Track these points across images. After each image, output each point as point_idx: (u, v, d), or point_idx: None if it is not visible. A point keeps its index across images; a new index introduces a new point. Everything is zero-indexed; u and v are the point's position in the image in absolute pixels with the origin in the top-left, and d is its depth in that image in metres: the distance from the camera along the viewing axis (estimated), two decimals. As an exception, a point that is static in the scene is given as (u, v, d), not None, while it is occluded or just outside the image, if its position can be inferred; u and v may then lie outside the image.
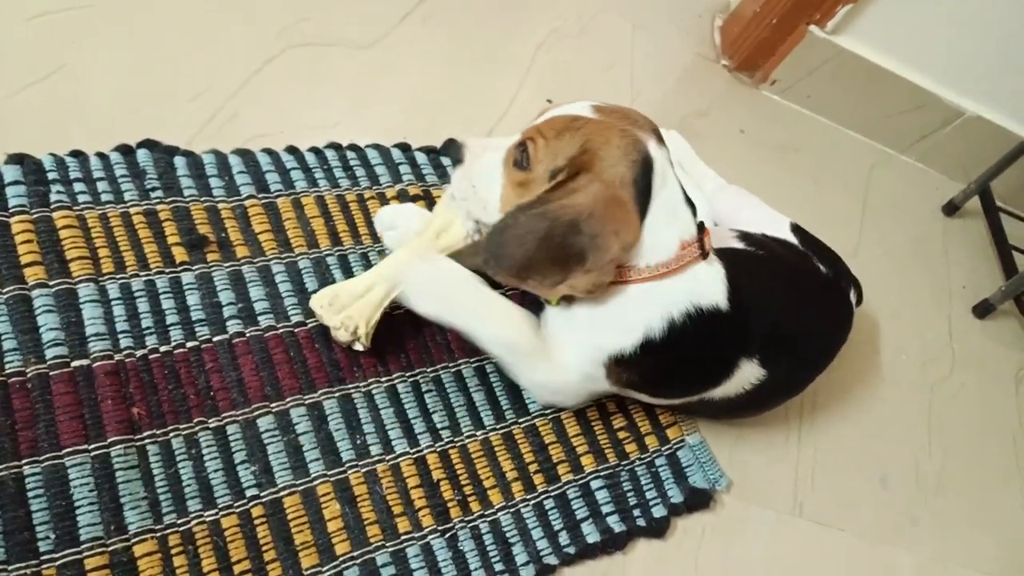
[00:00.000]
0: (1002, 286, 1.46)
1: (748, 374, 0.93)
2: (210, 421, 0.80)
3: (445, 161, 1.12)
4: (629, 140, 0.80)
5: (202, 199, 0.94)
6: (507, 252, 0.80)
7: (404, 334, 0.93)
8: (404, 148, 1.11)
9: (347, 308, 0.86)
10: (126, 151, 0.93)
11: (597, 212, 0.77)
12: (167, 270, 0.87)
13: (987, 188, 1.59)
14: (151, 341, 0.82)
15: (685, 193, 0.86)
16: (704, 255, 0.86)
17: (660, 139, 0.85)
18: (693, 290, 0.85)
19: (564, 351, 0.89)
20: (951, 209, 1.65)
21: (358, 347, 0.87)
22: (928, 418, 1.29)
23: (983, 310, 1.49)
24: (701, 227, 0.87)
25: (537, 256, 0.79)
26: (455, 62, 1.28)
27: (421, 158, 1.11)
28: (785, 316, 0.97)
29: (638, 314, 0.84)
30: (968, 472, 1.25)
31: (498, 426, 0.93)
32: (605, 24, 1.51)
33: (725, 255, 0.97)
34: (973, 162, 1.64)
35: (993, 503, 1.24)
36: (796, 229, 1.14)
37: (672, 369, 0.90)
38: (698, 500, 0.99)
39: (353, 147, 1.07)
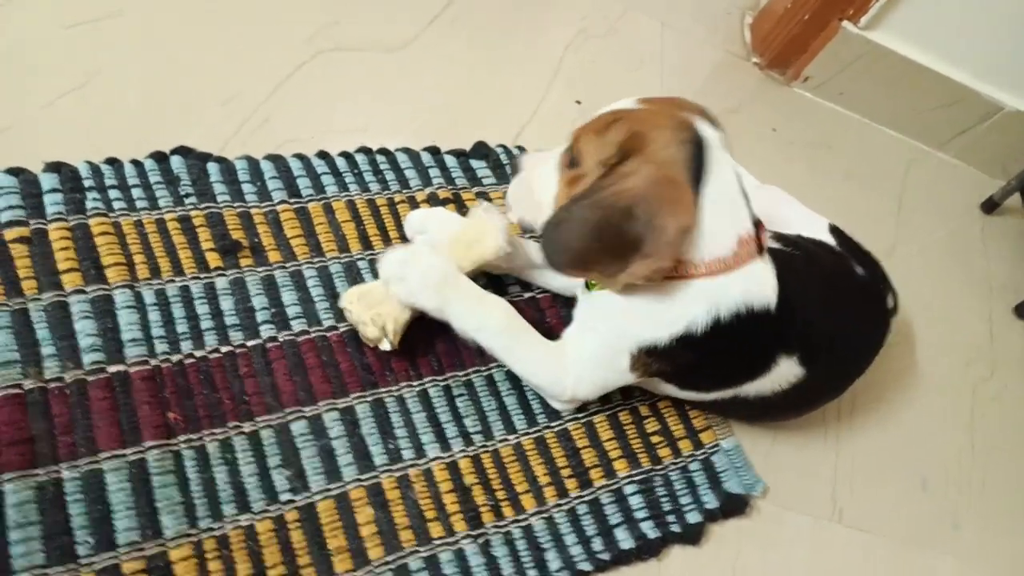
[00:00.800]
0: (1045, 285, 1.43)
1: (786, 372, 0.91)
2: (244, 426, 0.81)
3: (475, 164, 1.12)
4: (678, 121, 0.78)
5: (235, 205, 0.94)
6: (564, 245, 0.79)
7: (435, 338, 0.93)
8: (434, 152, 1.11)
9: (377, 305, 0.86)
10: (160, 158, 0.94)
11: (650, 194, 0.74)
12: (201, 275, 0.88)
13: (1028, 184, 1.55)
14: (186, 346, 0.83)
15: (741, 184, 0.82)
16: (761, 253, 0.83)
17: (713, 123, 0.82)
18: (748, 290, 0.82)
19: (585, 337, 0.88)
20: (990, 206, 1.61)
21: (385, 346, 0.87)
22: (970, 420, 1.26)
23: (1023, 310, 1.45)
24: (758, 223, 0.84)
25: (594, 246, 0.77)
26: (484, 64, 1.28)
27: (451, 161, 1.11)
28: (823, 317, 0.95)
29: (685, 309, 0.82)
30: (1011, 475, 1.22)
31: (530, 430, 0.92)
32: (633, 23, 1.50)
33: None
34: (1013, 158, 1.60)
35: (1037, 508, 1.21)
36: (834, 230, 1.12)
37: (707, 362, 0.88)
38: (734, 506, 0.97)
39: (383, 151, 1.08)
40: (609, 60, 1.41)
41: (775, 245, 1.01)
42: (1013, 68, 1.51)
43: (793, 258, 0.99)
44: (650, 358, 0.85)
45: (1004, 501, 1.18)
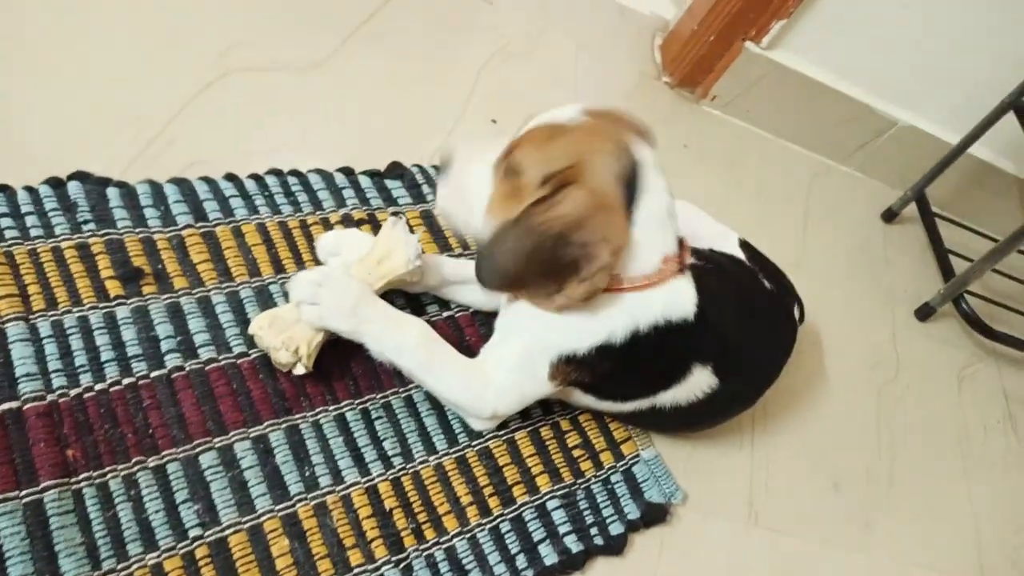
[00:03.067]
0: (941, 289, 1.51)
1: (701, 381, 0.94)
2: (149, 460, 0.78)
3: (390, 184, 1.11)
4: (617, 145, 0.80)
5: (136, 230, 0.91)
6: (500, 269, 0.81)
7: (351, 360, 0.92)
8: (347, 172, 1.10)
9: (288, 329, 0.84)
10: (56, 184, 0.90)
11: (585, 220, 0.77)
12: (101, 305, 0.84)
13: (923, 195, 1.64)
14: (85, 379, 0.79)
15: (671, 205, 0.85)
16: (682, 270, 0.86)
17: (649, 142, 0.85)
18: (668, 304, 0.85)
19: (506, 347, 0.88)
20: (890, 216, 1.70)
21: (299, 370, 0.85)
22: (876, 421, 1.31)
23: (924, 313, 1.53)
24: (681, 241, 0.87)
25: (531, 270, 0.79)
26: (399, 84, 1.28)
27: (365, 182, 1.10)
28: (735, 328, 0.98)
29: (607, 321, 0.84)
30: (918, 472, 1.28)
31: (451, 450, 0.92)
32: (549, 44, 1.53)
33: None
34: (909, 170, 1.69)
35: (944, 501, 1.27)
36: (744, 245, 1.16)
37: (624, 371, 0.89)
38: (655, 515, 0.99)
39: (294, 172, 1.06)
40: (524, 80, 1.43)
41: (691, 260, 1.04)
42: (905, 85, 1.60)
43: (706, 272, 1.02)
44: (569, 367, 0.87)
45: (913, 498, 1.24)
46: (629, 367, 0.89)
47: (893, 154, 1.71)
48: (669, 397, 0.94)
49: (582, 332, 0.85)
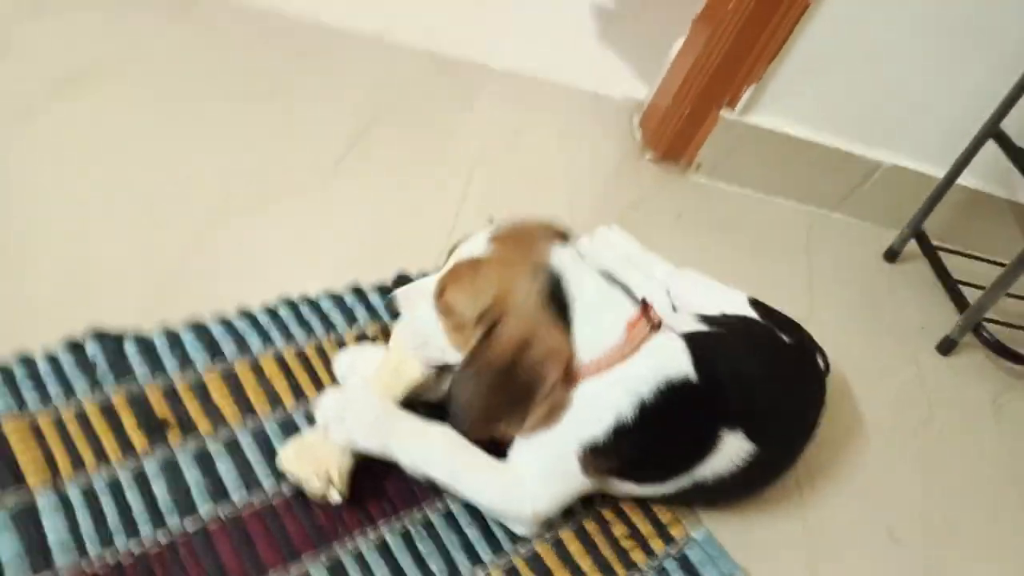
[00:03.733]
0: (958, 321, 1.50)
1: (735, 448, 0.92)
2: (193, 617, 0.75)
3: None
4: (530, 266, 0.84)
5: (156, 380, 0.91)
6: (468, 413, 0.85)
7: (383, 480, 0.90)
8: (356, 291, 1.11)
9: (316, 457, 0.83)
10: (73, 347, 0.91)
11: (525, 347, 0.81)
12: (128, 461, 0.83)
13: (921, 230, 1.66)
14: (120, 542, 0.77)
15: (613, 278, 0.89)
16: (656, 327, 0.87)
17: (564, 239, 0.89)
18: (657, 364, 0.86)
19: (530, 448, 0.88)
20: (892, 255, 1.71)
21: (335, 497, 0.83)
22: (920, 462, 1.28)
23: (946, 347, 1.51)
24: (643, 301, 0.89)
25: (495, 405, 0.84)
26: (394, 196, 1.31)
27: (375, 299, 1.11)
28: (760, 388, 0.97)
29: (608, 401, 0.85)
30: (974, 509, 1.24)
31: (499, 560, 0.89)
32: (531, 138, 1.57)
33: (688, 338, 0.98)
34: (902, 208, 1.70)
35: (1005, 531, 1.22)
36: (754, 303, 1.16)
37: (651, 449, 0.90)
38: (717, 598, 0.95)
39: (306, 299, 1.07)
40: (514, 175, 1.47)
41: (700, 327, 1.04)
42: (882, 128, 1.65)
43: (720, 337, 1.02)
44: (597, 456, 0.86)
45: (974, 537, 1.19)
46: (654, 443, 0.89)
47: (883, 195, 1.73)
48: (708, 470, 0.92)
49: (592, 419, 0.86)
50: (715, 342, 1.02)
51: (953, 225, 1.77)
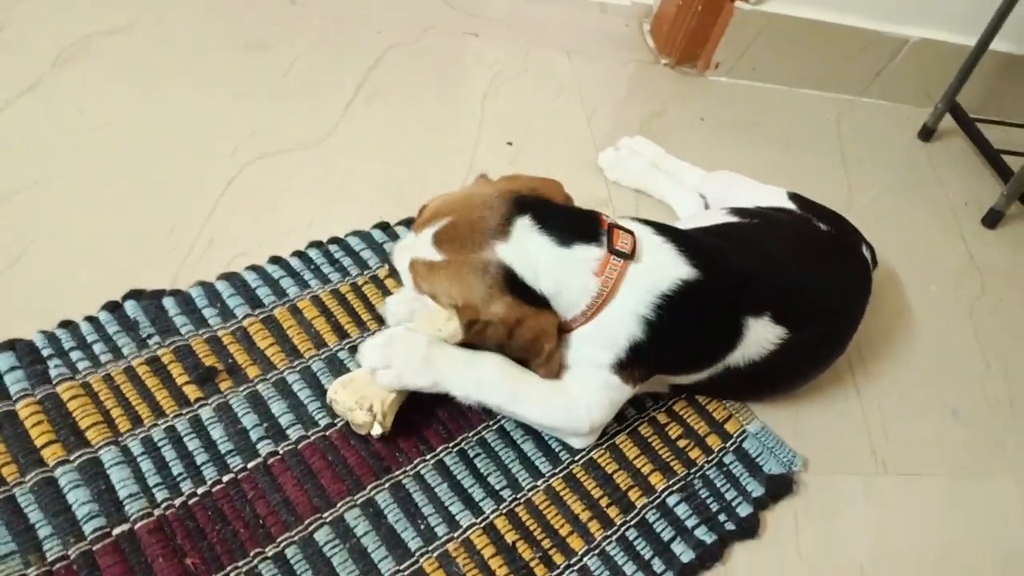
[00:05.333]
0: (1003, 191, 1.45)
1: (764, 334, 0.91)
2: (267, 550, 0.77)
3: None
4: (480, 267, 0.82)
5: (201, 332, 0.92)
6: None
7: (435, 407, 0.90)
8: (384, 227, 1.10)
9: (361, 390, 0.83)
10: (113, 307, 0.92)
11: (510, 334, 0.83)
12: (184, 411, 0.85)
13: (955, 104, 1.59)
14: (186, 487, 0.79)
15: (560, 230, 0.84)
16: (630, 254, 0.85)
17: (517, 208, 0.84)
18: (644, 286, 0.85)
19: (579, 370, 0.88)
20: (927, 134, 1.65)
21: (376, 430, 0.83)
22: (977, 339, 1.25)
23: (992, 219, 1.47)
24: (610, 233, 0.85)
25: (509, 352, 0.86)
26: (410, 132, 1.28)
27: (403, 232, 1.10)
28: (788, 273, 0.95)
29: (617, 330, 0.86)
30: (1035, 381, 1.21)
31: (556, 470, 0.89)
32: (541, 58, 1.53)
33: (708, 231, 0.98)
34: (933, 84, 1.64)
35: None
36: (794, 197, 1.13)
37: (674, 351, 0.90)
38: (780, 487, 0.94)
39: (334, 240, 1.06)
40: (528, 98, 1.43)
41: (730, 219, 1.02)
42: (903, 1, 1.56)
43: (746, 226, 1.00)
44: (626, 370, 0.87)
45: (1037, 407, 1.17)
46: (675, 347, 0.89)
47: (913, 72, 1.66)
48: (740, 357, 0.92)
49: (609, 344, 0.86)
50: (738, 231, 1.00)
51: (989, 94, 1.69)
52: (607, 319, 0.85)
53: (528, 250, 0.83)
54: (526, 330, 0.83)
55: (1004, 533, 1.00)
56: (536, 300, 0.83)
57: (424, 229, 0.85)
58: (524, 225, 0.83)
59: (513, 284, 0.82)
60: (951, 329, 1.26)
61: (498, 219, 0.83)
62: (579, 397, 0.88)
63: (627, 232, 0.87)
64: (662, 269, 0.86)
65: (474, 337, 0.84)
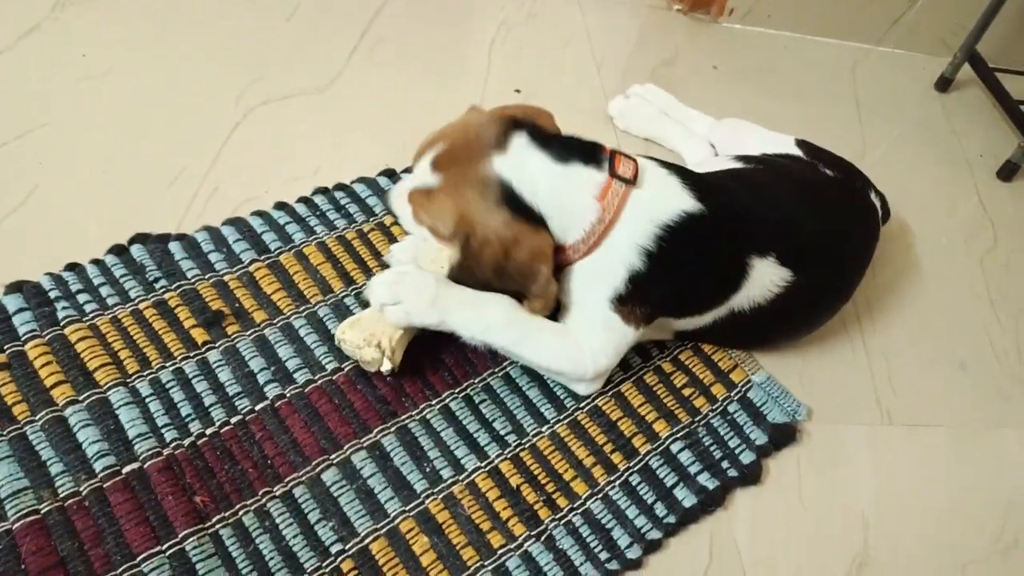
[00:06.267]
0: (1020, 143, 1.42)
1: (769, 275, 0.91)
2: (275, 489, 0.78)
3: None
4: (478, 182, 0.81)
5: (207, 276, 0.92)
6: (476, 285, 0.85)
7: (441, 352, 0.91)
8: (390, 174, 1.09)
9: (368, 328, 0.83)
10: (120, 251, 0.92)
11: (506, 254, 0.81)
12: (192, 354, 0.85)
13: (975, 53, 1.55)
14: (195, 427, 0.80)
15: (559, 148, 0.83)
16: (632, 179, 0.84)
17: (512, 126, 0.83)
18: (647, 215, 0.84)
19: (578, 312, 0.88)
20: (944, 84, 1.61)
21: (386, 366, 0.84)
22: (987, 291, 1.24)
23: (1008, 172, 1.44)
24: (611, 159, 0.84)
25: (495, 287, 0.85)
26: (416, 79, 1.26)
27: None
28: (794, 216, 0.94)
29: (613, 265, 0.85)
30: (1045, 333, 1.21)
31: (561, 416, 0.90)
32: (549, 5, 1.49)
33: (717, 175, 0.96)
34: (952, 32, 1.60)
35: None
36: (801, 144, 1.12)
37: (676, 287, 0.89)
38: (783, 435, 0.95)
39: (340, 186, 1.06)
40: (536, 44, 1.40)
41: (735, 165, 1.01)
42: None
43: (752, 170, 1.00)
44: (627, 306, 0.87)
45: (1045, 360, 1.17)
46: (677, 282, 0.88)
47: (930, 21, 1.62)
48: (745, 300, 0.91)
49: (608, 276, 0.85)
50: (744, 175, 0.99)
51: (1010, 44, 1.65)
52: (607, 249, 0.84)
53: (526, 165, 0.82)
54: (523, 250, 0.81)
55: (1008, 483, 1.01)
56: (534, 220, 0.82)
57: (421, 159, 0.84)
58: (521, 141, 0.82)
59: (511, 201, 0.81)
60: (961, 281, 1.25)
61: (494, 136, 0.83)
62: (583, 343, 0.88)
63: (630, 159, 0.86)
64: (665, 199, 0.85)
65: (473, 259, 0.82)
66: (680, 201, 0.85)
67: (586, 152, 0.84)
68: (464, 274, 0.84)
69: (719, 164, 1.04)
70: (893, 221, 1.22)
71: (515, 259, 0.82)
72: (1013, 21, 1.60)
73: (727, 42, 1.55)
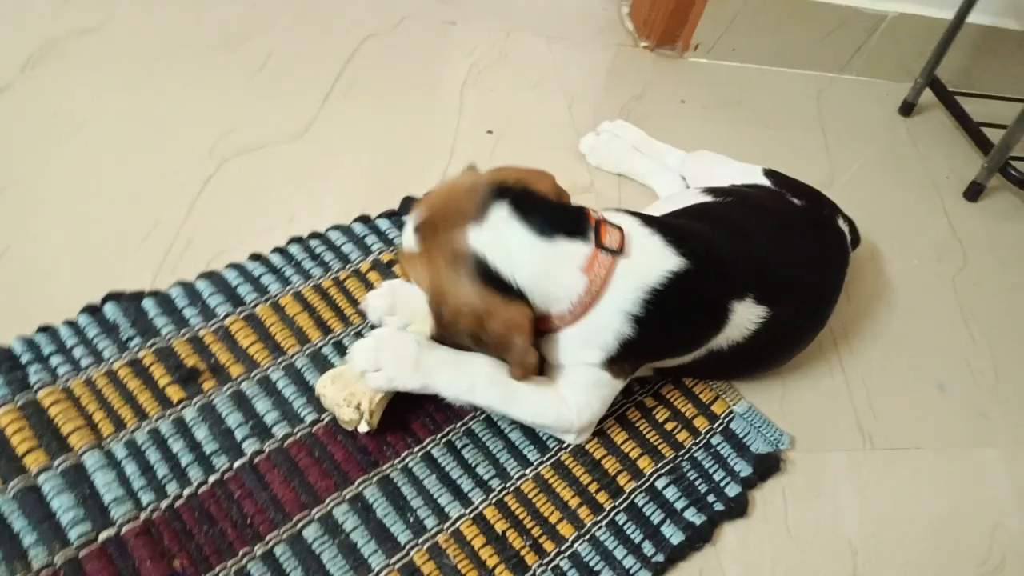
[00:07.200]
0: (984, 164, 1.45)
1: (748, 315, 0.91)
2: (255, 549, 0.76)
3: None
4: (451, 253, 0.80)
5: (181, 332, 0.91)
6: (454, 346, 0.85)
7: (422, 400, 0.90)
8: (365, 220, 1.09)
9: (350, 386, 0.83)
10: (93, 310, 0.91)
11: (480, 325, 0.80)
12: (167, 413, 0.84)
13: (935, 78, 1.59)
14: (172, 488, 0.79)
15: (541, 221, 0.80)
16: (619, 249, 0.82)
17: (496, 195, 0.81)
18: (633, 283, 0.83)
19: (567, 371, 0.88)
20: (908, 109, 1.65)
21: (363, 428, 0.83)
22: (960, 312, 1.26)
23: (974, 192, 1.47)
24: (597, 229, 0.83)
25: (474, 350, 0.84)
26: (389, 124, 1.27)
27: (384, 224, 1.09)
28: (766, 251, 0.95)
29: (603, 335, 0.84)
30: (1020, 353, 1.22)
31: (544, 458, 0.89)
32: (519, 45, 1.52)
33: (684, 213, 0.97)
34: (912, 59, 1.64)
35: (1055, 373, 1.21)
36: (769, 173, 1.13)
37: (664, 342, 0.90)
38: (767, 466, 0.95)
39: (315, 235, 1.06)
40: (507, 85, 1.42)
41: (705, 198, 1.02)
42: (883, -25, 1.56)
43: (722, 205, 1.01)
44: (616, 364, 0.86)
45: (1020, 380, 1.18)
46: (666, 334, 0.88)
47: (891, 48, 1.66)
48: (723, 339, 0.92)
49: (597, 342, 0.85)
50: (715, 212, 1.00)
51: (968, 68, 1.69)
52: (596, 319, 0.83)
53: (504, 239, 0.79)
54: (496, 321, 0.79)
55: (992, 503, 1.01)
56: (512, 293, 0.80)
57: (410, 219, 0.85)
58: (502, 214, 0.80)
59: (486, 274, 0.79)
60: (934, 302, 1.26)
61: (474, 206, 0.81)
62: (569, 397, 0.88)
63: (615, 227, 0.84)
64: (652, 262, 0.84)
65: (447, 329, 0.82)
66: (665, 261, 0.84)
67: (571, 223, 0.82)
68: (445, 339, 0.85)
69: (690, 197, 1.05)
70: (864, 245, 1.23)
71: (490, 330, 0.80)
72: (969, 46, 1.65)
73: (694, 76, 1.58)
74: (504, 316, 0.79)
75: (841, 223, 1.09)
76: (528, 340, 0.80)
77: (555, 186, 0.87)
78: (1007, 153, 1.41)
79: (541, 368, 0.89)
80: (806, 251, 1.01)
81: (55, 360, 0.86)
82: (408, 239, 0.84)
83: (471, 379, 0.84)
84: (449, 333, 0.83)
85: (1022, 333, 1.26)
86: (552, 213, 0.82)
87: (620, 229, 0.84)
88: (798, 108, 1.59)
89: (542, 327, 0.84)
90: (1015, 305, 1.30)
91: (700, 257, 0.86)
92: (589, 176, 1.29)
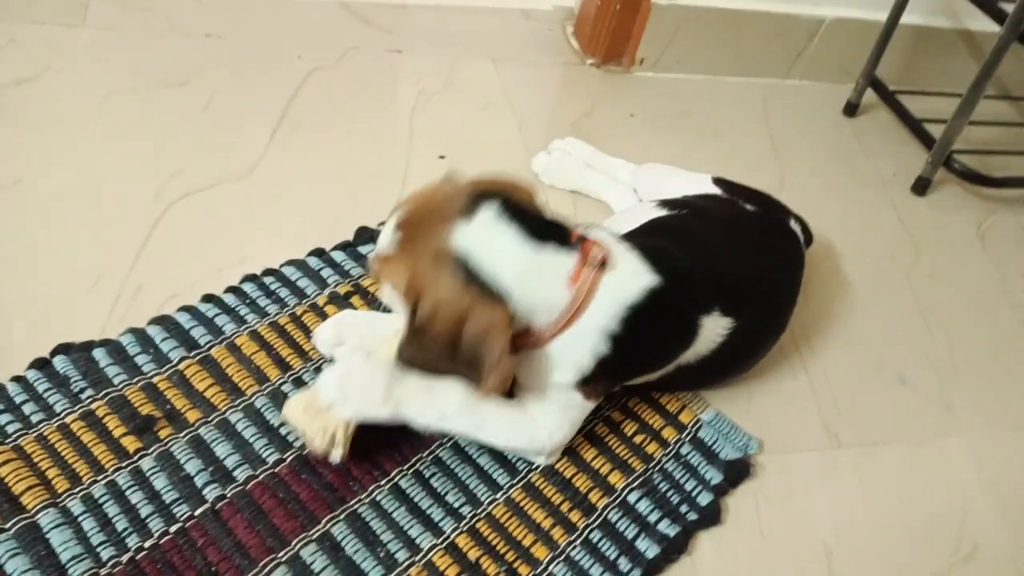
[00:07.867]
0: (928, 159, 1.48)
1: (714, 328, 0.92)
2: (222, 598, 0.74)
3: (364, 250, 1.10)
4: (435, 249, 0.78)
5: (135, 380, 0.89)
6: (425, 368, 0.82)
7: (388, 431, 0.88)
8: (319, 253, 1.08)
9: (321, 414, 0.81)
10: (42, 364, 0.89)
11: (458, 326, 0.77)
12: (124, 464, 0.82)
13: (875, 78, 1.63)
14: (132, 541, 0.76)
15: (530, 226, 0.80)
16: (602, 264, 0.82)
17: (483, 197, 0.80)
18: (613, 298, 0.83)
19: (538, 394, 0.87)
20: (852, 109, 1.68)
21: (335, 457, 0.82)
22: (916, 304, 1.28)
23: (921, 187, 1.51)
24: (580, 242, 0.83)
25: (447, 368, 0.81)
26: (338, 156, 1.27)
27: (339, 256, 1.08)
28: (725, 262, 0.96)
29: (579, 353, 0.83)
30: (977, 339, 1.25)
31: (514, 481, 0.89)
32: (467, 70, 1.53)
33: (644, 230, 0.97)
34: (852, 61, 1.67)
35: (1013, 356, 1.23)
36: (718, 181, 1.14)
37: (639, 360, 0.90)
38: (737, 471, 0.95)
39: (269, 271, 1.04)
40: (456, 109, 1.43)
41: (659, 212, 1.02)
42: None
43: (679, 218, 1.02)
44: (590, 385, 0.86)
45: (981, 367, 1.20)
46: (639, 354, 0.88)
47: (831, 51, 1.70)
48: (691, 353, 0.92)
49: (574, 361, 0.84)
50: (674, 226, 1.00)
51: (906, 67, 1.74)
52: (574, 336, 0.82)
53: (490, 239, 0.78)
54: (476, 321, 0.76)
55: (959, 492, 1.02)
56: (492, 294, 0.78)
57: (390, 219, 0.83)
58: (489, 214, 0.79)
59: (469, 274, 0.77)
60: (890, 297, 1.28)
61: (462, 205, 0.80)
62: (539, 419, 0.87)
63: (598, 242, 0.84)
64: (631, 277, 0.84)
65: (418, 336, 0.79)
66: (642, 278, 0.84)
67: (558, 234, 0.82)
68: (416, 350, 0.81)
69: (645, 211, 1.05)
70: (819, 245, 1.25)
71: (467, 332, 0.77)
72: (906, 46, 1.69)
73: (641, 90, 1.60)
74: (484, 315, 0.77)
75: (793, 224, 1.11)
76: (506, 344, 0.77)
77: (535, 200, 0.87)
78: (949, 147, 1.45)
79: (511, 391, 0.88)
80: (763, 257, 1.02)
81: (3, 419, 0.83)
82: (386, 240, 0.82)
83: (442, 407, 0.83)
84: (420, 344, 0.79)
85: (977, 321, 1.28)
86: (541, 221, 0.82)
87: (602, 245, 0.84)
88: (745, 115, 1.62)
89: (519, 343, 0.83)
90: (968, 294, 1.33)
91: (671, 272, 0.86)
92: (544, 195, 1.30)
